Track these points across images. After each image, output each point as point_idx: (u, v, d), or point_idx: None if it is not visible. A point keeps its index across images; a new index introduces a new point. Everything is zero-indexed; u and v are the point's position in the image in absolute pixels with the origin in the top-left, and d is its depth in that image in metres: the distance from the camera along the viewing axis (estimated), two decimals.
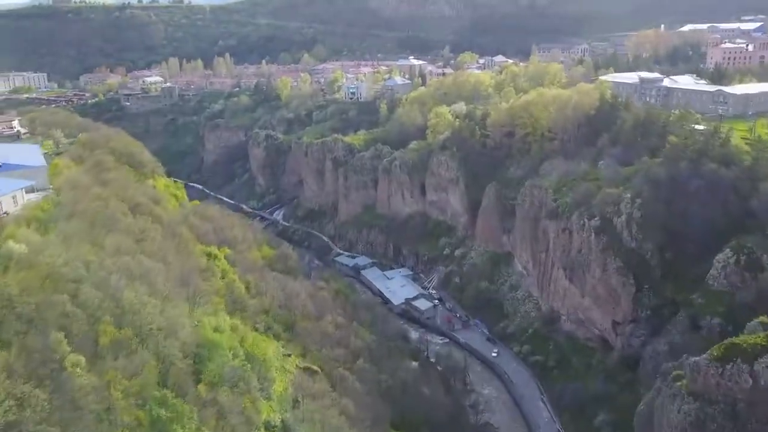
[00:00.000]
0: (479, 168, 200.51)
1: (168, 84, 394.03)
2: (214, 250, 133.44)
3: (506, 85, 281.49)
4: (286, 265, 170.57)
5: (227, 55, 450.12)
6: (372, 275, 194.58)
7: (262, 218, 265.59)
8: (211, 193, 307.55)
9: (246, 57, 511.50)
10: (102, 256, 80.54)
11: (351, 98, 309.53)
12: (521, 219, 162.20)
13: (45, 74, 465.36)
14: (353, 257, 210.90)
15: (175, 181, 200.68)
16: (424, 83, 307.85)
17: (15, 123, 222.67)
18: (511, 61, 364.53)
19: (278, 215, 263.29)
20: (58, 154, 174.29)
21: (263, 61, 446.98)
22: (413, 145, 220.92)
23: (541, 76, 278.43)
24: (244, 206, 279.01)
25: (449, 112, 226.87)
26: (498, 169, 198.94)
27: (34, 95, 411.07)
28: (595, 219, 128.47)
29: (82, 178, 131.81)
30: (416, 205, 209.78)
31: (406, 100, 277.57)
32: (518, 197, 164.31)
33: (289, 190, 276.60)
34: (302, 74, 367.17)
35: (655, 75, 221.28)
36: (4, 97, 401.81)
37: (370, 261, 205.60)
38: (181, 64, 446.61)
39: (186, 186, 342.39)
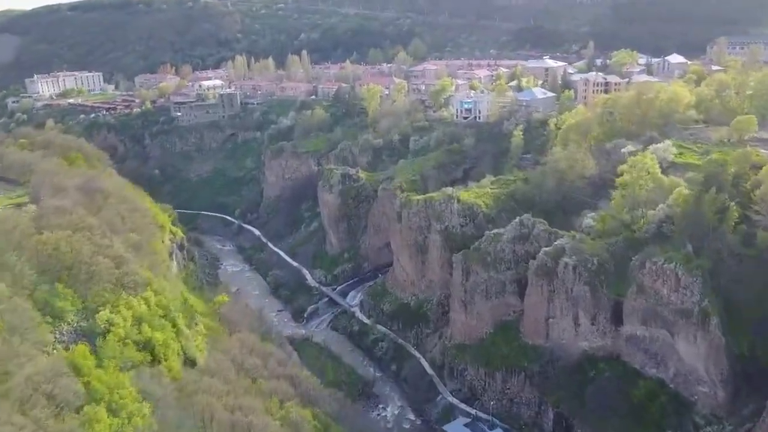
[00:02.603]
0: (743, 289, 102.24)
1: (228, 90, 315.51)
2: None
3: (710, 101, 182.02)
4: None
5: (304, 52, 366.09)
6: None
7: (331, 300, 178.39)
8: (268, 244, 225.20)
9: (330, 54, 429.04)
10: None
11: (465, 117, 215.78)
12: None
13: (100, 74, 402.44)
14: (476, 425, 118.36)
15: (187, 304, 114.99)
16: (577, 98, 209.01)
17: None
18: (689, 62, 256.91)
19: (354, 300, 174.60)
20: None
21: (348, 60, 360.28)
22: (593, 221, 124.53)
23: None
24: (308, 275, 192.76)
25: (655, 161, 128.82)
26: None
27: (79, 100, 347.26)
28: None
29: None
30: (601, 340, 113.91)
31: (556, 126, 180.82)
32: None
33: (372, 258, 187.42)
34: (396, 80, 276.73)
35: None
36: (43, 102, 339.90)
37: None
38: (249, 63, 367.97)
39: (239, 228, 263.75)
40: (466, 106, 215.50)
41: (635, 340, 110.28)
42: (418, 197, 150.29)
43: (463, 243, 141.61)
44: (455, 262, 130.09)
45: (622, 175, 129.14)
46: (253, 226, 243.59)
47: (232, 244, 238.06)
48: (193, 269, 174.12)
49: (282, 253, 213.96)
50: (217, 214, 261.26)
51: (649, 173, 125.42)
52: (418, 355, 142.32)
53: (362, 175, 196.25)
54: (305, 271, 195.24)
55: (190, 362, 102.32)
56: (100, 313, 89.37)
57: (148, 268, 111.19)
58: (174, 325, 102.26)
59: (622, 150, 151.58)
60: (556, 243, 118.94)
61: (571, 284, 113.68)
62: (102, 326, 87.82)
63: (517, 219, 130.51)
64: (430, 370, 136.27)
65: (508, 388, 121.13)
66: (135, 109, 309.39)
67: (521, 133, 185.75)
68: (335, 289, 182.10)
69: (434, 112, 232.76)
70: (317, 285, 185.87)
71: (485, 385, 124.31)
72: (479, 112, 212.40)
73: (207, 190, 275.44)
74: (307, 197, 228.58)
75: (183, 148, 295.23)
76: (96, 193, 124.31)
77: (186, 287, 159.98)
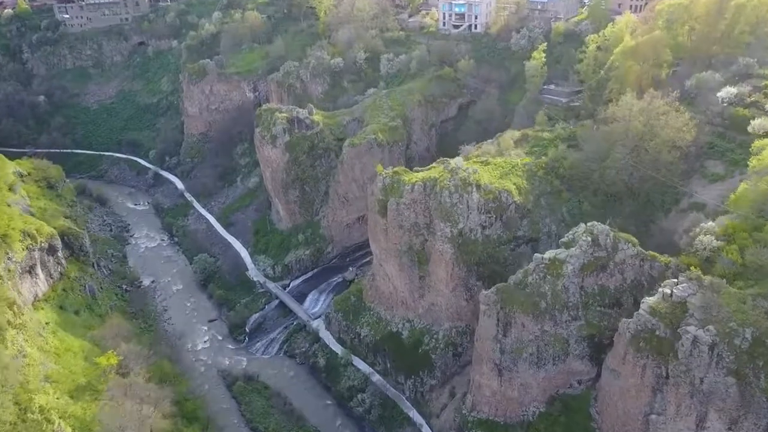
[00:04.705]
0: None
1: None
2: None
3: None
4: None
5: None
6: None
7: (282, 305, 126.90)
8: (194, 203, 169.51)
9: None
10: None
11: (456, 27, 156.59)
12: None
13: None
14: None
15: None
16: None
17: None
18: None
19: (316, 306, 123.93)
20: None
21: None
22: (714, 239, 74.27)
23: None
24: (249, 262, 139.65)
25: None
26: None
27: None
28: None
29: None
30: None
31: (597, 47, 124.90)
32: None
33: (337, 239, 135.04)
34: None
35: None
36: None
37: None
38: None
39: (156, 177, 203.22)
40: (457, 9, 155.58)
41: None
42: (413, 179, 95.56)
43: (485, 254, 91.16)
44: (485, 303, 79.35)
45: (757, 154, 78.75)
46: (174, 174, 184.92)
47: (147, 201, 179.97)
48: (77, 275, 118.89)
49: (213, 221, 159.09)
50: (126, 156, 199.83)
51: None
52: (419, 420, 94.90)
53: (318, 117, 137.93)
54: (245, 255, 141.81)
55: None
56: None
57: None
58: None
59: (718, 95, 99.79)
60: (667, 289, 68.94)
61: (702, 371, 65.50)
62: None
63: (583, 231, 78.83)
64: None
65: None
66: (6, 10, 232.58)
67: (543, 54, 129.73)
68: (288, 286, 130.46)
69: (410, 17, 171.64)
70: (261, 280, 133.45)
71: None
72: (475, 18, 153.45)
73: (111, 121, 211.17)
74: (243, 138, 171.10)
75: (75, 63, 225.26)
76: None
77: (60, 317, 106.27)
